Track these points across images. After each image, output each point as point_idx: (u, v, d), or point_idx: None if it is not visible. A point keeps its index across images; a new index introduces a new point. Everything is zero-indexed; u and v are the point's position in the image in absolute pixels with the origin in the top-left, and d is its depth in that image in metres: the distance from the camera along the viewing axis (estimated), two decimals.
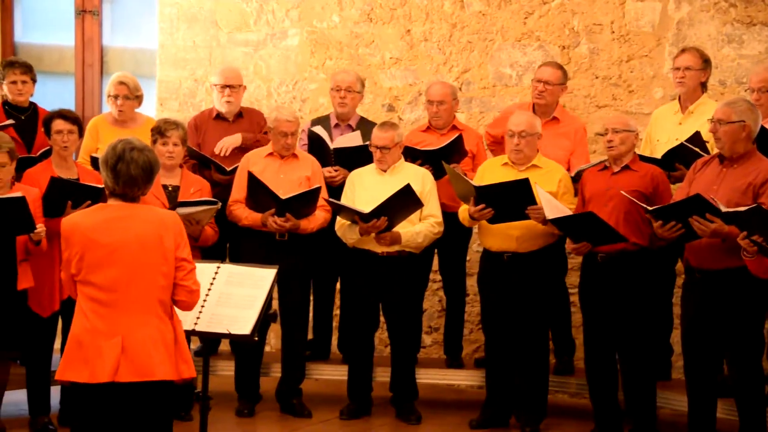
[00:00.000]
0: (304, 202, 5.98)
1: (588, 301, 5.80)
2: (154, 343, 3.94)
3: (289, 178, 6.12)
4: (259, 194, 5.95)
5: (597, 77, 7.17)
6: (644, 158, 5.86)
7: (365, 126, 6.51)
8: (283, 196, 5.90)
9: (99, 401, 3.96)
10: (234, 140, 6.40)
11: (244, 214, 6.07)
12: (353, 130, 6.50)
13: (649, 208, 5.30)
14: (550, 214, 5.59)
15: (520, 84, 7.25)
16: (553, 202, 5.66)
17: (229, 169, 6.25)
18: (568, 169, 6.17)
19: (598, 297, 5.72)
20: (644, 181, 5.65)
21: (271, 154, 6.20)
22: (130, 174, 3.95)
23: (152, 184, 4.07)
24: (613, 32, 7.13)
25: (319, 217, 6.11)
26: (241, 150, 6.38)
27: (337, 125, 6.56)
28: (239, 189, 6.09)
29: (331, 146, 6.28)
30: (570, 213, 5.68)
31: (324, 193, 6.10)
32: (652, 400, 5.75)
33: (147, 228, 3.96)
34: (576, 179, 6.04)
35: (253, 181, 5.92)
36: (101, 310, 3.95)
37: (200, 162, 6.32)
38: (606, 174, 5.76)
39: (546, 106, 6.34)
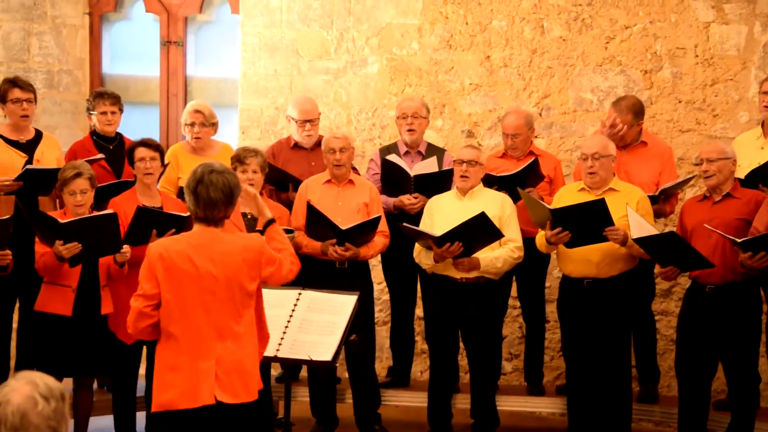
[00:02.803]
0: (364, 231, 5.99)
1: (691, 331, 5.69)
2: (239, 366, 4.03)
3: (348, 205, 6.13)
4: (318, 224, 5.96)
5: (680, 101, 7.08)
6: None
7: (433, 152, 6.53)
8: (342, 224, 5.90)
9: (197, 425, 4.01)
10: None
11: (304, 242, 6.05)
12: (423, 156, 6.52)
13: (738, 240, 5.20)
14: (635, 233, 5.51)
15: (601, 109, 7.20)
16: (641, 222, 5.56)
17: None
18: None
19: (705, 328, 5.61)
20: (748, 208, 5.54)
21: (329, 181, 6.22)
22: (209, 196, 3.99)
23: (234, 206, 4.09)
24: (697, 56, 7.04)
25: (378, 243, 6.11)
26: None
27: (407, 152, 6.57)
28: (298, 216, 6.11)
29: (411, 174, 6.30)
30: (656, 232, 5.59)
31: (383, 220, 6.10)
32: (750, 430, 5.65)
33: (234, 256, 4.02)
34: (659, 199, 5.97)
35: (313, 212, 5.93)
36: (190, 336, 4.01)
37: (278, 183, 6.37)
38: (707, 204, 5.65)
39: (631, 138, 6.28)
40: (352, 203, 6.14)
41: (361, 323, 6.02)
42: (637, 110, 6.21)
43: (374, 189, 6.24)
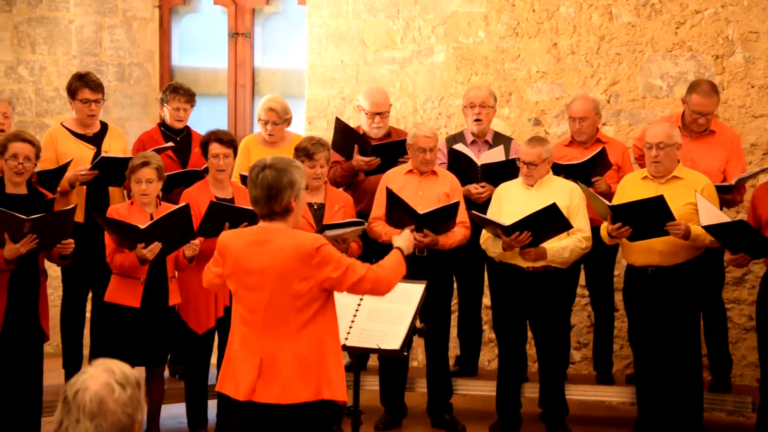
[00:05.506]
0: (443, 218, 5.98)
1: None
2: (290, 367, 3.97)
3: (428, 194, 6.14)
4: (397, 210, 5.98)
5: (753, 86, 6.95)
6: None
7: (500, 140, 6.50)
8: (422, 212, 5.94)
9: (242, 417, 4.06)
10: None
11: (384, 231, 6.09)
12: (490, 145, 6.50)
13: None
14: (704, 221, 5.43)
15: (671, 95, 7.10)
16: (711, 209, 5.49)
17: (372, 143, 6.31)
18: (724, 180, 6.02)
19: None
20: None
21: (410, 171, 6.23)
22: (252, 194, 4.03)
23: (279, 203, 3.99)
24: None
25: (458, 233, 6.09)
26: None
27: (473, 142, 6.55)
28: (379, 206, 6.14)
29: (478, 163, 6.28)
30: (726, 219, 5.51)
31: (463, 208, 6.10)
32: None
33: (282, 254, 3.95)
34: (734, 189, 5.88)
35: (392, 198, 5.96)
36: (246, 329, 4.05)
37: (342, 150, 6.36)
38: None
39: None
40: (432, 192, 6.15)
41: (437, 311, 6.05)
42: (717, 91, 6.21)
43: (455, 180, 6.22)
